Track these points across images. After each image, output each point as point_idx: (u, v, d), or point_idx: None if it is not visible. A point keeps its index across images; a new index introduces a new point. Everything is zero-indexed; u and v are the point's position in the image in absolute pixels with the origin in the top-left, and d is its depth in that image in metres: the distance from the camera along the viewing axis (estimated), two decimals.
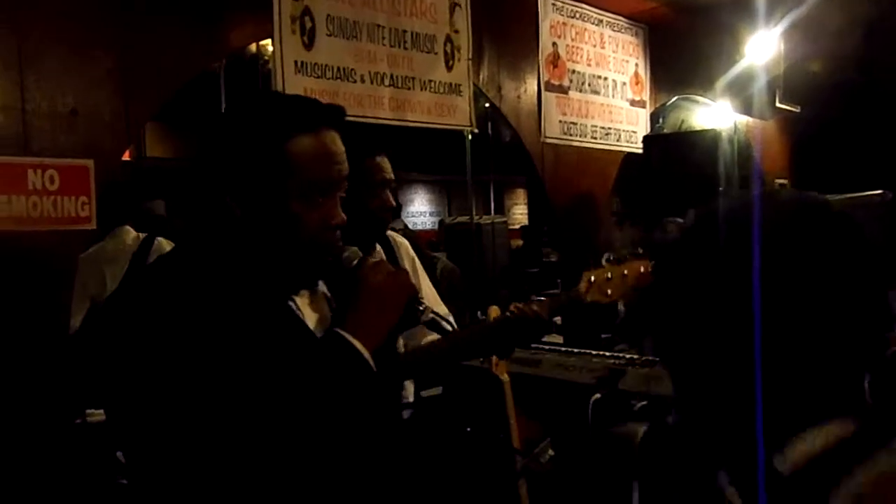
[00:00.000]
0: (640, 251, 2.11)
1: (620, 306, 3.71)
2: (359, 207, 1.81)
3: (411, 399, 2.03)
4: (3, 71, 2.32)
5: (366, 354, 1.09)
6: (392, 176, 1.93)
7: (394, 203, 1.93)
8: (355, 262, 1.18)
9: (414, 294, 1.19)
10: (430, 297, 2.05)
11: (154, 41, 2.65)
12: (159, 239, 3.45)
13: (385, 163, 1.91)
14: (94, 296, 3.19)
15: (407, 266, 2.00)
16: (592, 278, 1.89)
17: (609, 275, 1.89)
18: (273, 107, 1.16)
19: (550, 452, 3.24)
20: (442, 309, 2.04)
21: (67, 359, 2.50)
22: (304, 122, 1.12)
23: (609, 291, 1.88)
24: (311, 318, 1.18)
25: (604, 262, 2.01)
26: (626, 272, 1.89)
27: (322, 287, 1.24)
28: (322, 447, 1.05)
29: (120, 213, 3.42)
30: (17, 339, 2.32)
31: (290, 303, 1.17)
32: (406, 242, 2.11)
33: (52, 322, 2.43)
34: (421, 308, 1.21)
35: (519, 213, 12.36)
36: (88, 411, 2.78)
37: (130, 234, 3.43)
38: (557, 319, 4.40)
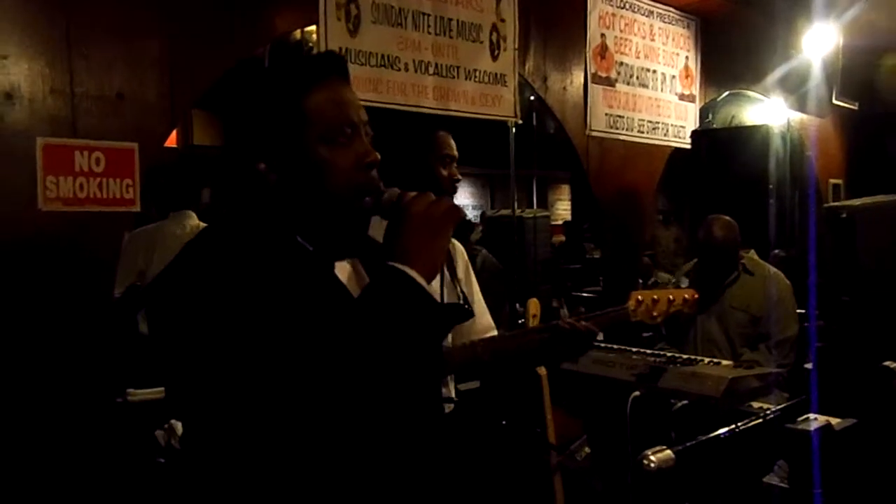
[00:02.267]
0: (684, 283, 2.18)
1: None
2: (430, 176, 1.85)
3: (453, 395, 2.01)
4: (53, 55, 2.37)
5: (423, 282, 1.05)
6: (454, 151, 1.98)
7: (460, 177, 1.97)
8: (396, 196, 1.14)
9: (462, 216, 1.14)
10: (479, 308, 2.03)
11: (199, 26, 2.67)
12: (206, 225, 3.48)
13: (450, 139, 1.96)
14: (141, 271, 3.24)
15: (460, 272, 1.99)
16: (640, 298, 1.96)
17: (656, 297, 1.98)
18: (281, 70, 1.17)
19: (587, 450, 3.18)
20: (487, 320, 2.03)
21: (108, 331, 2.55)
22: (311, 77, 1.13)
23: (655, 314, 1.98)
24: (351, 286, 1.16)
25: (649, 284, 2.13)
26: (672, 297, 1.97)
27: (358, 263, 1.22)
28: (387, 392, 1.02)
29: (178, 198, 3.47)
30: (61, 318, 2.36)
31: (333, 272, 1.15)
32: (461, 247, 2.09)
33: (96, 302, 2.47)
34: (471, 228, 1.18)
35: (562, 209, 12.23)
36: (129, 391, 2.83)
37: (192, 220, 3.47)
38: None
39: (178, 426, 2.38)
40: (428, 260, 1.07)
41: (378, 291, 1.06)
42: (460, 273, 1.95)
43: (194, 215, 3.52)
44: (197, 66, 2.68)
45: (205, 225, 3.43)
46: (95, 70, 2.45)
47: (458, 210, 1.13)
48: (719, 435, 1.70)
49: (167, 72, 2.60)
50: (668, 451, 1.56)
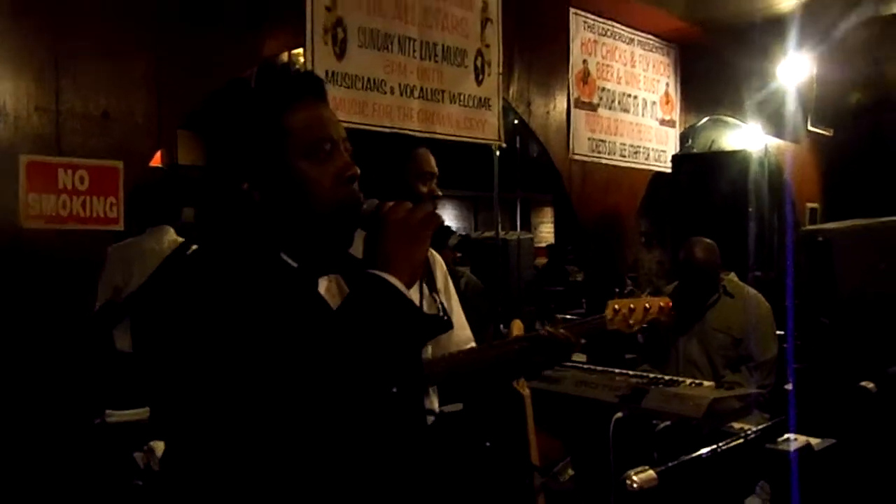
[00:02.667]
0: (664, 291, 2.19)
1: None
2: (409, 193, 1.86)
3: (435, 408, 2.01)
4: (38, 72, 2.37)
5: (402, 288, 1.06)
6: (434, 168, 1.98)
7: (440, 194, 1.97)
8: (375, 206, 1.16)
9: (440, 222, 1.16)
10: (458, 320, 2.03)
11: (187, 47, 2.69)
12: (194, 247, 3.46)
13: (430, 156, 1.97)
14: (117, 286, 3.20)
15: (439, 283, 2.00)
16: (617, 307, 1.98)
17: (632, 306, 1.98)
18: (260, 91, 1.20)
19: (570, 471, 3.18)
20: (466, 334, 2.04)
21: (86, 348, 2.52)
22: (290, 97, 1.15)
23: (631, 322, 1.97)
24: (333, 302, 1.17)
25: (627, 288, 2.14)
26: (648, 305, 1.98)
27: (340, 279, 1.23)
28: (367, 398, 1.03)
29: (158, 214, 3.45)
30: (41, 337, 2.34)
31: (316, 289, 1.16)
32: (441, 259, 2.10)
33: (76, 321, 2.45)
34: (450, 233, 1.19)
35: (545, 232, 12.31)
36: (108, 411, 2.80)
37: (169, 235, 3.45)
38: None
39: (158, 448, 2.35)
40: (407, 266, 1.09)
41: (358, 298, 1.07)
42: (439, 284, 1.96)
43: (172, 230, 3.50)
44: (184, 86, 2.70)
45: (182, 240, 3.44)
46: (82, 88, 2.45)
47: (437, 216, 1.15)
48: (701, 455, 1.72)
49: (154, 91, 2.60)
50: (651, 472, 1.58)
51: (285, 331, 1.03)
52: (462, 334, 1.98)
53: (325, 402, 1.00)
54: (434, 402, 1.99)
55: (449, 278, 2.09)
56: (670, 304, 1.99)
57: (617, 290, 2.11)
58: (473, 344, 2.00)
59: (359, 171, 1.16)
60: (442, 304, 1.85)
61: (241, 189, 1.13)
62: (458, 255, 4.27)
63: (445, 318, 1.23)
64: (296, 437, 1.00)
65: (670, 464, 1.58)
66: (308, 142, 1.13)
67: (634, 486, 1.53)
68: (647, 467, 1.57)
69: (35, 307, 2.33)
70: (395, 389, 1.06)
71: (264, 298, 1.06)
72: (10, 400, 2.26)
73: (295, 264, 1.15)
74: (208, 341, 1.01)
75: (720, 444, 1.88)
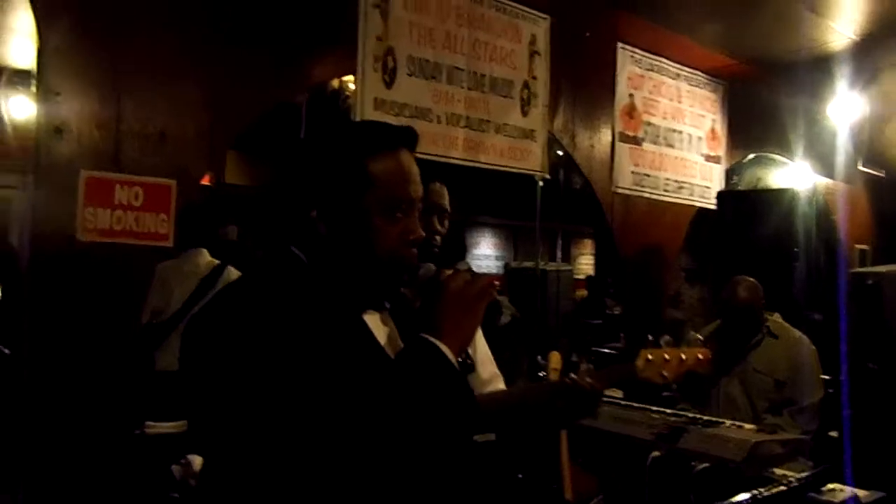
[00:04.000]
0: (700, 338, 2.10)
1: None
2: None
3: None
4: (101, 93, 2.47)
5: (451, 357, 1.10)
6: (444, 203, 1.91)
7: (438, 228, 1.91)
8: (433, 273, 1.19)
9: (493, 297, 1.19)
10: (482, 356, 2.01)
11: (240, 71, 2.77)
12: (230, 268, 3.54)
13: (437, 188, 1.90)
14: (156, 309, 3.28)
15: None
16: (650, 357, 1.89)
17: (667, 356, 1.87)
18: (355, 129, 1.23)
19: None
20: (492, 369, 2.00)
21: (127, 364, 2.58)
22: (383, 143, 1.17)
23: (665, 373, 1.87)
24: (380, 336, 1.20)
25: (662, 343, 2.03)
26: (684, 357, 1.88)
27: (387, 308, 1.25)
28: (409, 455, 1.05)
29: (196, 235, 3.53)
30: (90, 345, 2.40)
31: (363, 319, 1.18)
32: None
33: (124, 332, 2.51)
34: (500, 312, 1.21)
35: (585, 264, 12.21)
36: (147, 423, 2.85)
37: (205, 257, 3.53)
38: None
39: (196, 461, 2.39)
40: (459, 335, 1.13)
41: (410, 361, 1.10)
42: None
43: (206, 252, 3.57)
44: (236, 108, 2.78)
45: (217, 262, 3.51)
46: (140, 108, 2.54)
47: (490, 292, 1.18)
48: (741, 501, 1.68)
49: (207, 113, 2.69)
50: None
51: (333, 367, 1.05)
52: (488, 370, 1.95)
53: (361, 446, 1.02)
54: None
55: None
56: (709, 356, 1.91)
57: (651, 337, 2.02)
58: (501, 381, 1.97)
59: (423, 236, 1.20)
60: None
61: (309, 216, 1.15)
62: (497, 283, 4.27)
63: (469, 361, 1.25)
64: (330, 471, 1.01)
65: None
66: (387, 196, 1.15)
67: None
68: None
69: (86, 318, 2.40)
70: (436, 449, 1.08)
71: (315, 329, 1.08)
72: (57, 407, 2.33)
73: (347, 298, 1.17)
74: (257, 364, 1.03)
75: (761, 491, 1.84)
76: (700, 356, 1.88)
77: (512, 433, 2.13)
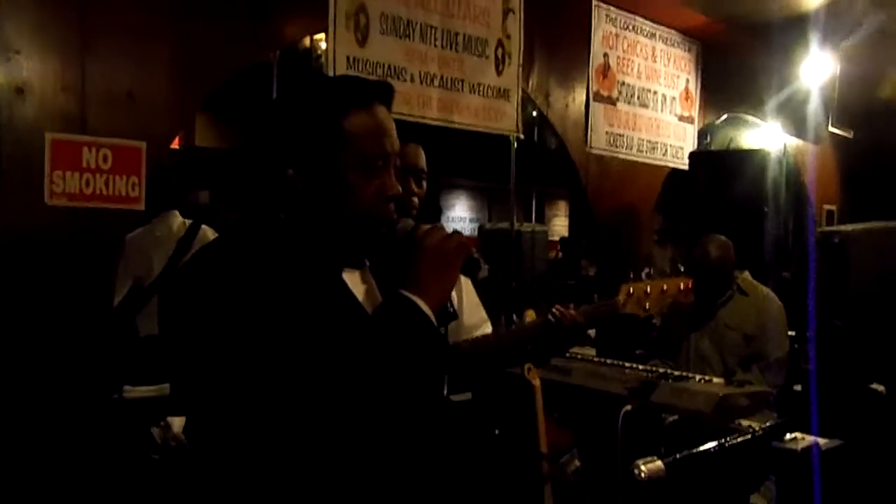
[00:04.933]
0: (681, 269, 2.10)
1: (656, 320, 3.66)
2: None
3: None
4: (65, 53, 2.40)
5: (429, 313, 1.11)
6: (420, 163, 1.88)
7: (415, 190, 1.88)
8: (410, 228, 1.20)
9: (470, 253, 1.20)
10: (470, 301, 2.02)
11: (210, 29, 2.71)
12: (204, 227, 3.51)
13: (412, 149, 1.88)
14: (137, 277, 3.26)
15: None
16: (631, 290, 1.89)
17: (648, 289, 1.89)
18: (328, 86, 1.22)
19: (577, 463, 3.20)
20: (479, 314, 2.02)
21: (108, 334, 2.57)
22: (357, 99, 1.17)
23: (647, 305, 1.89)
24: (359, 293, 1.21)
25: (643, 276, 2.02)
26: (665, 287, 1.89)
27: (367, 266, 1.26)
28: (386, 410, 1.07)
29: (167, 198, 3.48)
30: (62, 313, 2.38)
31: (342, 276, 1.19)
32: None
33: (96, 297, 2.49)
34: (479, 267, 1.22)
35: (559, 225, 12.27)
36: (125, 387, 2.85)
37: (177, 219, 3.49)
38: (591, 332, 4.35)
39: (175, 423, 2.40)
40: (436, 292, 1.14)
41: (387, 317, 1.11)
42: None
43: (178, 214, 3.54)
44: (206, 68, 2.72)
45: (189, 222, 3.48)
46: (106, 69, 2.48)
47: (467, 247, 1.19)
48: (708, 449, 1.73)
49: (176, 73, 2.63)
50: (659, 462, 1.59)
51: (312, 322, 1.06)
52: (476, 315, 1.96)
53: (339, 399, 1.03)
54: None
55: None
56: (690, 283, 1.90)
57: (631, 272, 2.00)
58: (488, 324, 1.99)
59: (400, 191, 1.20)
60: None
61: (286, 175, 1.15)
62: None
63: (451, 309, 1.27)
64: (309, 426, 1.03)
65: (678, 455, 1.60)
66: (363, 153, 1.15)
67: (642, 475, 1.55)
68: (655, 458, 1.59)
69: (56, 284, 2.38)
70: (410, 403, 1.09)
71: (293, 286, 1.08)
72: (31, 376, 2.31)
73: (325, 254, 1.17)
74: (233, 323, 1.04)
75: (727, 439, 1.90)
76: (681, 285, 1.89)
77: (501, 369, 2.15)
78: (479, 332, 1.93)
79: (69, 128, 2.42)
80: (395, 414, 1.09)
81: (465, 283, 2.07)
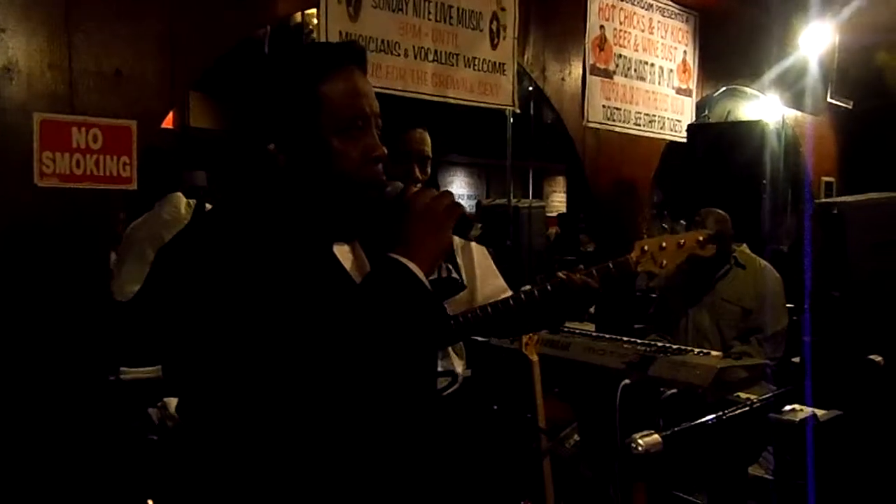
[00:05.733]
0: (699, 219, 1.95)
1: (654, 286, 3.64)
2: (403, 175, 1.78)
3: (459, 371, 1.98)
4: (51, 30, 2.36)
5: (421, 275, 1.08)
6: (425, 149, 1.89)
7: (419, 176, 1.88)
8: (399, 190, 1.17)
9: (462, 211, 1.17)
10: (485, 272, 1.97)
11: (200, 5, 2.66)
12: (208, 206, 3.48)
13: (418, 134, 1.87)
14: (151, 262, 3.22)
15: (455, 240, 1.94)
16: (645, 247, 1.75)
17: (664, 244, 1.76)
18: (300, 55, 1.19)
19: (576, 437, 3.21)
20: (495, 283, 1.95)
21: (111, 318, 2.56)
22: (330, 63, 1.14)
23: (663, 261, 1.75)
24: (348, 266, 1.19)
25: (657, 232, 1.95)
26: (682, 241, 1.75)
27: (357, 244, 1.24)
28: (380, 377, 1.05)
29: (165, 180, 3.45)
30: (55, 294, 2.37)
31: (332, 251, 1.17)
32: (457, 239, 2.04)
33: (90, 277, 2.47)
34: (471, 226, 1.19)
35: (557, 201, 12.25)
36: (122, 369, 2.85)
37: (182, 201, 3.46)
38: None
39: (171, 404, 2.40)
40: (428, 254, 1.11)
41: (378, 282, 1.09)
42: (455, 243, 1.90)
43: (182, 196, 3.51)
44: (197, 45, 2.68)
45: (195, 203, 3.45)
46: (94, 46, 2.44)
47: (460, 206, 1.16)
48: (707, 422, 1.73)
49: (167, 50, 2.59)
50: (657, 436, 1.59)
51: (301, 295, 1.05)
52: (491, 285, 1.91)
53: (334, 371, 1.02)
54: (457, 364, 1.98)
55: (468, 244, 2.03)
56: (709, 234, 1.81)
57: (647, 230, 1.92)
58: (508, 293, 1.94)
59: (385, 152, 1.16)
60: (449, 267, 1.80)
61: (267, 150, 1.13)
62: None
63: (459, 280, 1.24)
64: (303, 403, 1.02)
65: (676, 429, 1.60)
66: (341, 116, 1.13)
67: (640, 449, 1.55)
68: (652, 431, 1.58)
69: (48, 265, 2.36)
70: (405, 370, 1.07)
71: (281, 260, 1.07)
72: (25, 358, 2.30)
73: (313, 228, 1.15)
74: (225, 299, 1.02)
75: (725, 412, 1.90)
76: (700, 237, 1.75)
77: (513, 335, 2.08)
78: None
79: (57, 107, 2.38)
80: (391, 382, 1.07)
81: (478, 252, 2.00)
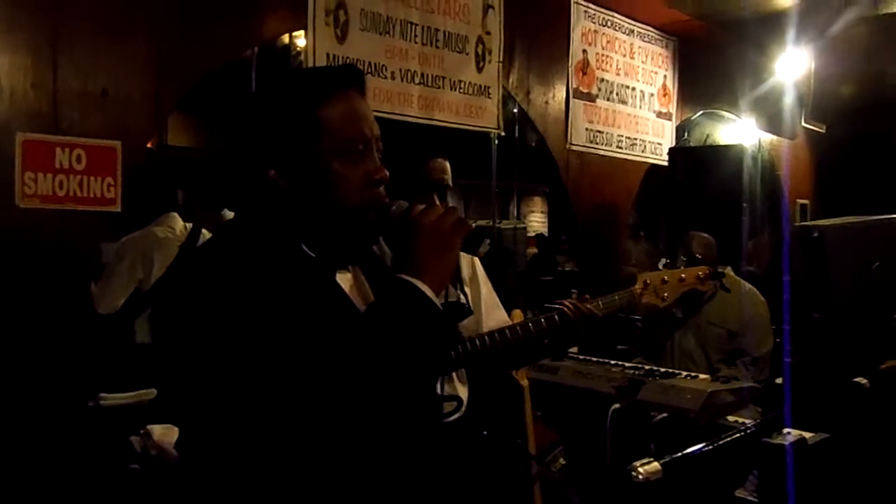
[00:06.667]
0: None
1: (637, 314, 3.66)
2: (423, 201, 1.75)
3: (463, 398, 1.95)
4: (36, 49, 2.32)
5: (431, 295, 1.06)
6: (446, 178, 1.86)
7: (432, 204, 1.86)
8: (405, 210, 1.15)
9: (470, 230, 1.15)
10: (489, 302, 1.96)
11: (187, 27, 2.64)
12: (205, 231, 3.42)
13: (439, 164, 1.86)
14: (141, 280, 3.14)
15: (464, 273, 1.91)
16: (648, 280, 1.84)
17: (666, 277, 1.84)
18: (298, 79, 1.19)
19: (562, 461, 3.20)
20: (498, 316, 1.95)
21: (95, 338, 2.49)
22: (329, 87, 1.13)
23: (665, 295, 1.84)
24: (352, 293, 1.17)
25: (660, 266, 2.00)
26: (683, 276, 1.84)
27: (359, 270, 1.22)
28: (394, 396, 1.02)
29: (160, 198, 3.37)
30: (34, 317, 2.30)
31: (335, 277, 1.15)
32: (468, 256, 2.02)
33: (72, 302, 2.41)
34: (479, 242, 1.17)
35: (535, 221, 12.29)
36: (102, 395, 2.77)
37: (179, 222, 3.39)
38: None
39: (155, 431, 2.33)
40: (437, 273, 1.09)
41: (388, 303, 1.07)
42: (464, 274, 1.90)
43: (178, 217, 3.44)
44: (183, 66, 2.65)
45: (192, 226, 3.38)
46: (79, 66, 2.40)
47: (467, 223, 1.14)
48: (705, 448, 1.72)
49: (153, 71, 2.56)
50: (656, 464, 1.58)
51: (303, 323, 1.02)
52: (495, 317, 1.91)
53: (340, 397, 0.99)
54: (461, 390, 1.94)
55: (477, 266, 2.01)
56: (708, 272, 1.87)
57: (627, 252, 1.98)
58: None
59: (387, 174, 1.15)
60: (464, 292, 1.79)
61: (268, 175, 1.11)
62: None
63: (467, 305, 1.22)
64: (309, 429, 0.99)
65: (675, 456, 1.59)
66: (342, 139, 1.11)
67: (640, 477, 1.53)
68: (651, 459, 1.57)
69: (29, 288, 2.30)
70: (416, 391, 1.05)
71: (284, 288, 1.05)
72: (3, 382, 2.23)
73: (314, 255, 1.13)
74: (226, 329, 1.00)
75: (723, 437, 1.89)
76: (700, 273, 1.85)
77: (516, 366, 2.05)
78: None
79: (41, 127, 2.34)
80: (406, 401, 1.05)
81: (484, 283, 1.99)
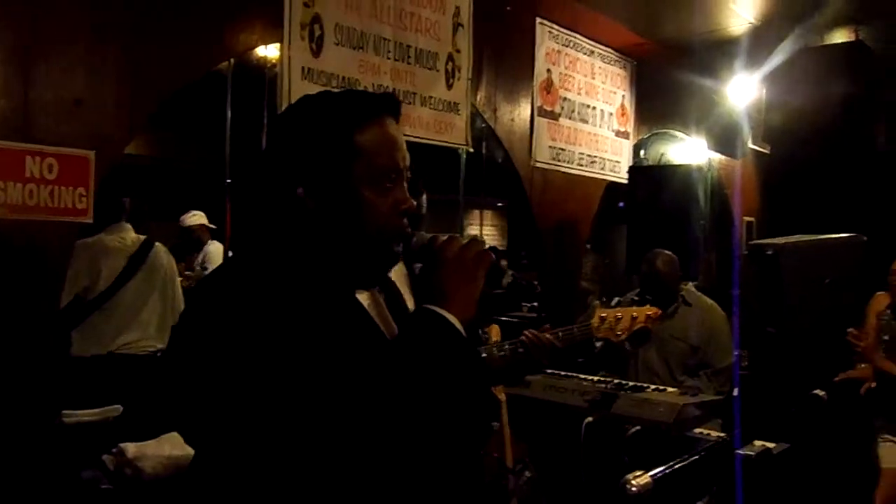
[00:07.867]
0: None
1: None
2: None
3: None
4: (7, 57, 2.25)
5: (458, 325, 1.07)
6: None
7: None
8: (426, 242, 1.16)
9: (492, 260, 1.16)
10: None
11: (163, 37, 2.60)
12: (157, 244, 3.35)
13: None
14: (85, 286, 3.07)
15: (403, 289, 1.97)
16: (605, 315, 2.03)
17: (619, 314, 2.06)
18: (336, 100, 1.17)
19: (527, 473, 3.23)
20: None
21: (48, 354, 2.41)
22: (368, 112, 1.13)
23: (619, 332, 2.06)
24: (374, 315, 1.17)
25: (613, 304, 2.19)
26: (635, 314, 2.04)
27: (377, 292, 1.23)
28: (427, 430, 1.02)
29: (106, 208, 3.30)
30: (5, 331, 2.22)
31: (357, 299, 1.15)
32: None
33: (42, 315, 2.33)
34: (503, 274, 1.19)
35: (486, 234, 12.41)
36: (65, 412, 2.68)
37: (130, 233, 3.32)
38: None
39: (129, 450, 2.27)
40: (463, 304, 1.09)
41: (416, 334, 1.08)
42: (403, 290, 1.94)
43: (130, 227, 3.37)
44: (156, 76, 2.61)
45: (143, 237, 3.31)
46: (53, 74, 2.34)
47: (489, 254, 1.15)
48: (691, 461, 1.79)
49: (127, 80, 2.51)
50: (648, 477, 1.64)
51: (333, 350, 1.02)
52: None
53: (370, 427, 0.99)
54: None
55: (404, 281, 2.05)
56: (658, 312, 2.05)
57: (603, 298, 2.18)
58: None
59: (415, 205, 1.16)
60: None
61: (296, 194, 1.10)
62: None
63: (484, 336, 1.25)
64: (337, 461, 0.99)
65: (666, 469, 1.65)
66: (376, 166, 1.11)
67: (633, 490, 1.59)
68: (643, 472, 1.63)
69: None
70: (449, 423, 1.06)
71: (313, 312, 1.04)
72: None
73: (338, 276, 1.13)
74: (258, 355, 0.99)
75: (702, 449, 1.97)
76: (650, 314, 2.08)
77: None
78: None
79: (10, 135, 2.26)
80: (438, 435, 1.05)
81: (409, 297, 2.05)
